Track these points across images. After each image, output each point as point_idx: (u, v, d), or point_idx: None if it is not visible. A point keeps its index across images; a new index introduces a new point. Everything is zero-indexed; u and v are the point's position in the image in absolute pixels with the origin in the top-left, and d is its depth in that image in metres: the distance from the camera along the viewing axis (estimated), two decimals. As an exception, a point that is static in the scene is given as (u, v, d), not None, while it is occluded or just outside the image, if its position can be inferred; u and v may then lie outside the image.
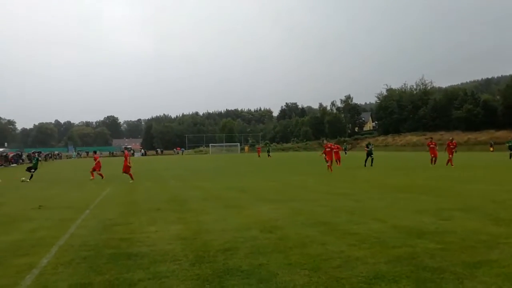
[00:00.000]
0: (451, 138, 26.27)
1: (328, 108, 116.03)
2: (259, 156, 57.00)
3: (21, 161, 54.29)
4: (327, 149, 23.20)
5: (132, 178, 19.49)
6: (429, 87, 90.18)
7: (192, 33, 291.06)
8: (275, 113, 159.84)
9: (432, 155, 24.78)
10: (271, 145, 54.41)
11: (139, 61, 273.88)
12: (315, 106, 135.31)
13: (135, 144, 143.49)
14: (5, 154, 51.11)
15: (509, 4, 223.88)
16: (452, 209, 8.81)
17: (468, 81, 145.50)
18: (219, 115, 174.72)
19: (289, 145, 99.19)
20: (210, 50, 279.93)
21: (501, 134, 60.26)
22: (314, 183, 16.34)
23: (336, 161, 25.70)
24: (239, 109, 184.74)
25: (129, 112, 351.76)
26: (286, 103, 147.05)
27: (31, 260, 5.58)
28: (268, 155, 52.59)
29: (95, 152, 24.78)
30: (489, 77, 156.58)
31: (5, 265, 5.40)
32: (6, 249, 6.24)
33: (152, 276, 4.71)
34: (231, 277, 4.60)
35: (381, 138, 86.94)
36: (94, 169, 21.76)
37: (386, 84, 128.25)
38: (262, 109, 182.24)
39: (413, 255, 5.25)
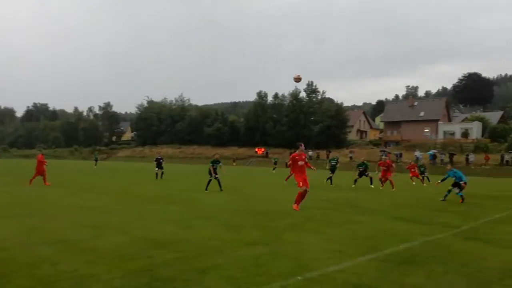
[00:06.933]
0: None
1: (85, 113, 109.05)
2: None
3: None
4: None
5: None
6: (186, 104, 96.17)
7: None
8: (19, 113, 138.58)
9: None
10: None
11: None
12: (70, 110, 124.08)
13: None
14: None
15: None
16: (192, 218, 9.49)
17: (219, 102, 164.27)
18: None
19: (34, 151, 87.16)
20: None
21: (242, 151, 71.25)
22: (58, 196, 14.76)
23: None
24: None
25: None
26: (34, 103, 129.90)
27: None
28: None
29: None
30: (236, 101, 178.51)
31: None
32: None
33: None
34: None
35: (138, 149, 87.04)
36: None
37: (148, 96, 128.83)
38: (2, 107, 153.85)
39: (151, 267, 5.33)
